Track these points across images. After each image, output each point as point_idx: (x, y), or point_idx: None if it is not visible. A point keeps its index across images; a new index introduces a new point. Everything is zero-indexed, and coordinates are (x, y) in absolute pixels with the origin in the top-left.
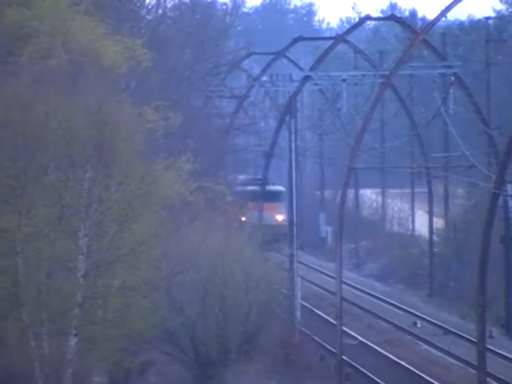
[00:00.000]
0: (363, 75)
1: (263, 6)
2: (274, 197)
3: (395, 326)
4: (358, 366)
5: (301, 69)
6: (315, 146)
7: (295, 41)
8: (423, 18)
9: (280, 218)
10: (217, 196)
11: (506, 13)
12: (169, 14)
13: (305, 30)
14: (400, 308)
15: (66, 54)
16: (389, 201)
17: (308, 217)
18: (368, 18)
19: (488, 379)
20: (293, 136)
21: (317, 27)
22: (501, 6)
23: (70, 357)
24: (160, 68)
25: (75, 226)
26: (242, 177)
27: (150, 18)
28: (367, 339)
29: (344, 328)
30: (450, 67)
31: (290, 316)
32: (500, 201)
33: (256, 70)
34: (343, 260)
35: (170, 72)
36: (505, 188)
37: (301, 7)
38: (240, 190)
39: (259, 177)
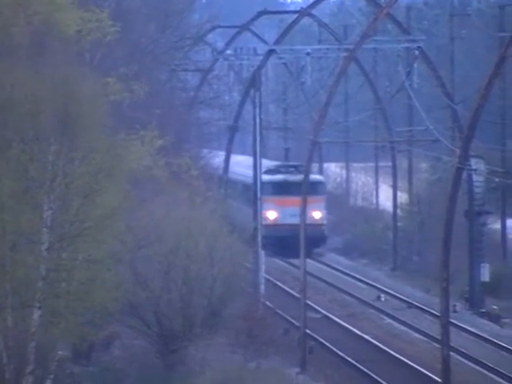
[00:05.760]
0: (327, 49)
1: None
2: (309, 189)
3: (359, 299)
4: (321, 339)
5: (265, 42)
6: (279, 119)
7: (259, 14)
8: None
9: (317, 215)
10: (181, 169)
11: None
12: None
13: (269, 4)
14: (364, 282)
15: (29, 26)
16: (353, 175)
17: None
18: None
19: (451, 353)
20: (257, 110)
21: (281, 1)
22: None
23: (34, 330)
24: (124, 41)
25: (40, 198)
26: (268, 163)
27: None
28: (331, 313)
29: (308, 302)
30: (414, 41)
31: (253, 290)
32: (464, 175)
33: (220, 44)
34: None
35: (134, 45)
36: (469, 162)
37: None
38: (267, 180)
39: (293, 163)
